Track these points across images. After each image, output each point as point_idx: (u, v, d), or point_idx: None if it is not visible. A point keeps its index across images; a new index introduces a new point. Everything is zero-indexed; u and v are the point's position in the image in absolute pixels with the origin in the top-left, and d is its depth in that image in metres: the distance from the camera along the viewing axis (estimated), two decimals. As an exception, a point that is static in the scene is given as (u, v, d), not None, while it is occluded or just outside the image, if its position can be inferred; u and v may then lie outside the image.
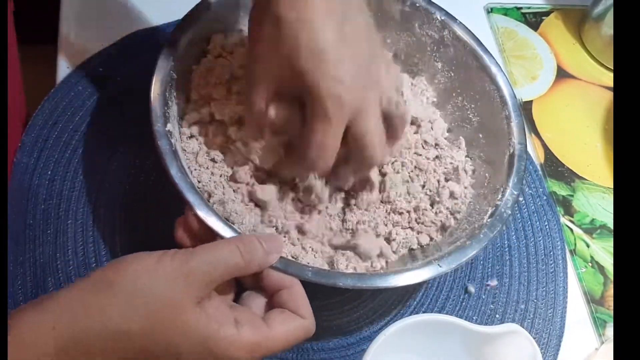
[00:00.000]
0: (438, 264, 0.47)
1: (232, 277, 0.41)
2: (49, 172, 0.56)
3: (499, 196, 0.52)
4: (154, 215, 0.55)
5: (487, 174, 0.56)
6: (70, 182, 0.56)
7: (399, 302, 0.56)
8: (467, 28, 0.59)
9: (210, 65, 0.55)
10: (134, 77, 0.61)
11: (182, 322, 0.37)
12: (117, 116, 0.59)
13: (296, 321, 0.41)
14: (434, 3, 0.60)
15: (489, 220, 0.51)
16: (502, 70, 0.57)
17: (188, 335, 0.38)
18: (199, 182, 0.50)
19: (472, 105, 0.58)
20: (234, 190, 0.51)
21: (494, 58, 0.57)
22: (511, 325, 0.48)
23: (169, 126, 0.48)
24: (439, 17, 0.59)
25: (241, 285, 0.44)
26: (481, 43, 0.58)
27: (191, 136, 0.53)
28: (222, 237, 0.44)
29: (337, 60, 0.44)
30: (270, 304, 0.43)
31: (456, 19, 0.59)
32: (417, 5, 0.59)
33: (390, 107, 0.48)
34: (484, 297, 0.58)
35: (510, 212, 0.51)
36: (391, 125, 0.49)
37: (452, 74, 0.60)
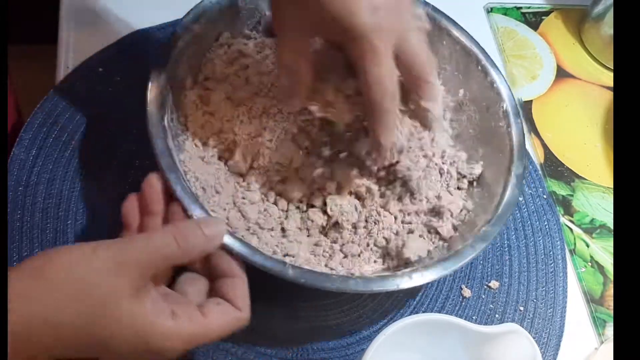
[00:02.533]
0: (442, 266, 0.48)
1: (168, 265, 0.41)
2: (48, 172, 0.56)
3: (499, 199, 0.52)
4: (153, 215, 0.55)
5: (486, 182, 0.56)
6: (70, 182, 0.56)
7: (399, 302, 0.56)
8: (515, 101, 0.57)
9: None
10: (134, 77, 0.61)
11: (117, 314, 0.37)
12: (117, 116, 0.59)
13: (232, 313, 0.41)
14: (485, 52, 0.58)
15: (489, 221, 0.51)
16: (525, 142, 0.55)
17: (123, 328, 0.37)
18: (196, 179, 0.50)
19: (481, 150, 0.57)
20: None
21: (528, 123, 0.56)
22: (511, 325, 0.48)
23: (169, 140, 0.49)
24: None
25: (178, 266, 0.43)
26: (517, 107, 0.56)
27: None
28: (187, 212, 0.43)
29: None
30: (211, 289, 0.43)
31: (505, 83, 0.57)
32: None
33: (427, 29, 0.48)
34: (483, 297, 0.58)
35: (509, 213, 0.51)
36: None
37: (477, 129, 0.58)
